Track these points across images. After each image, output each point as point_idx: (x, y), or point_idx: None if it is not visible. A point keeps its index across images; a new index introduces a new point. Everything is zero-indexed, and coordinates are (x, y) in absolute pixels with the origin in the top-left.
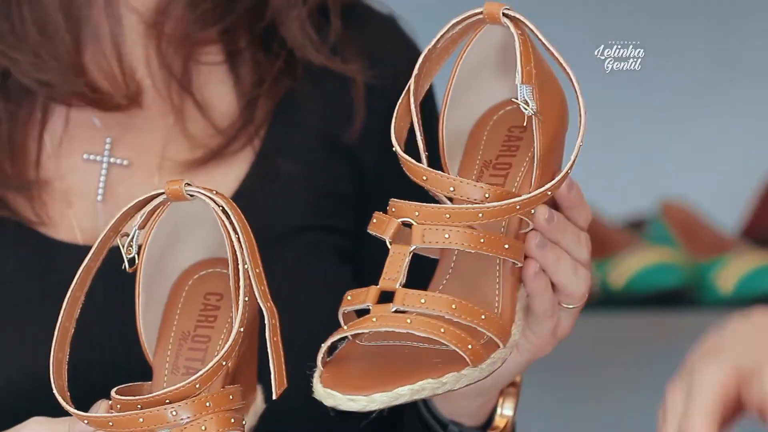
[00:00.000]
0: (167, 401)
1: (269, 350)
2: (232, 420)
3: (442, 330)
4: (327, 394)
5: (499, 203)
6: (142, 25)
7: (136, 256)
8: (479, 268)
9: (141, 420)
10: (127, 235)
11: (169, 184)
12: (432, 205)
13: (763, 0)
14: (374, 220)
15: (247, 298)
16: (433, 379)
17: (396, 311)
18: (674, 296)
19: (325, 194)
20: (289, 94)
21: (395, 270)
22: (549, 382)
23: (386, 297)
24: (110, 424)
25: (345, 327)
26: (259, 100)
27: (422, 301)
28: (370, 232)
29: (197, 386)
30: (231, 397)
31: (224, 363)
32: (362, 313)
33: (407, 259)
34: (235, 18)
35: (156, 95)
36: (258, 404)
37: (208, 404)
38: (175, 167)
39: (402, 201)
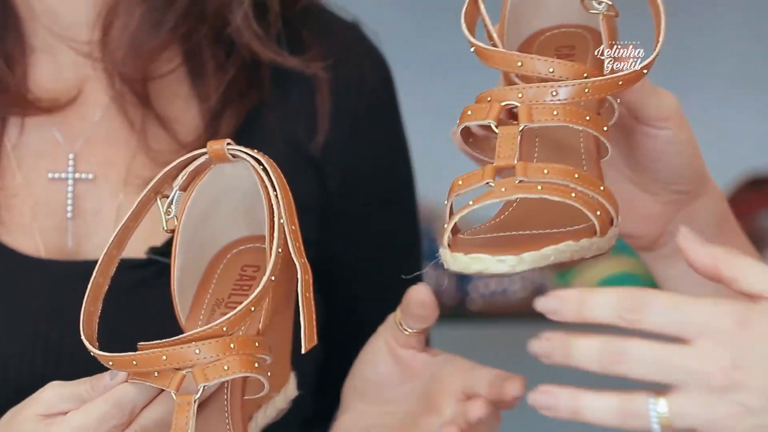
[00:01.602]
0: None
1: (300, 305)
2: (256, 365)
3: (573, 195)
4: (472, 260)
5: (604, 78)
6: (88, 46)
7: (176, 218)
8: (563, 149)
9: (164, 358)
10: (167, 197)
11: (211, 144)
12: (535, 84)
13: None
14: (469, 112)
15: (280, 250)
16: (574, 242)
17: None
18: None
19: None
20: (254, 103)
21: (509, 148)
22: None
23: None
24: (134, 363)
25: (470, 202)
26: (225, 115)
27: (545, 171)
28: (467, 123)
29: (224, 329)
30: (257, 344)
31: (252, 309)
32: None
33: (519, 137)
34: (181, 21)
35: (117, 109)
36: (290, 389)
37: (232, 345)
38: (141, 183)
39: (499, 87)
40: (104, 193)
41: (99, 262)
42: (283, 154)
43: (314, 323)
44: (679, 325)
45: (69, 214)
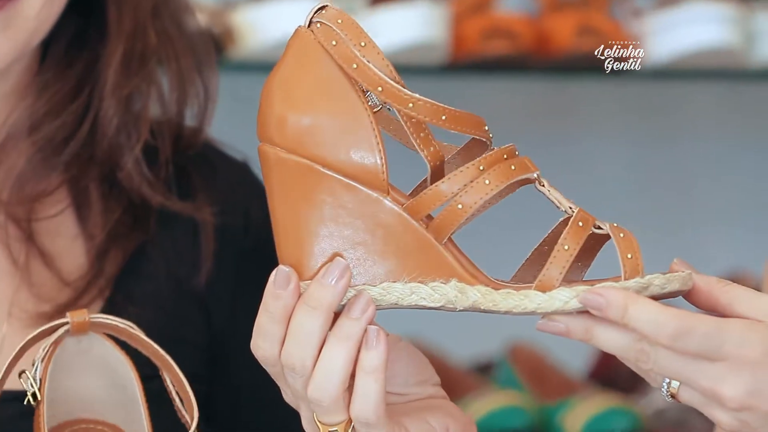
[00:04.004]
0: None
1: None
2: None
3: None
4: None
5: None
6: None
7: (37, 392)
8: None
9: None
10: (26, 371)
11: (73, 315)
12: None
13: None
14: (513, 167)
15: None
16: None
17: None
18: None
19: (175, 341)
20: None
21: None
22: None
23: None
24: None
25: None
26: (110, 253)
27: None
28: (517, 178)
29: None
30: None
31: None
32: None
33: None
34: (71, 164)
35: (0, 245)
36: None
37: None
38: (26, 316)
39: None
40: None
41: None
42: (168, 291)
43: None
44: (713, 352)
45: None
